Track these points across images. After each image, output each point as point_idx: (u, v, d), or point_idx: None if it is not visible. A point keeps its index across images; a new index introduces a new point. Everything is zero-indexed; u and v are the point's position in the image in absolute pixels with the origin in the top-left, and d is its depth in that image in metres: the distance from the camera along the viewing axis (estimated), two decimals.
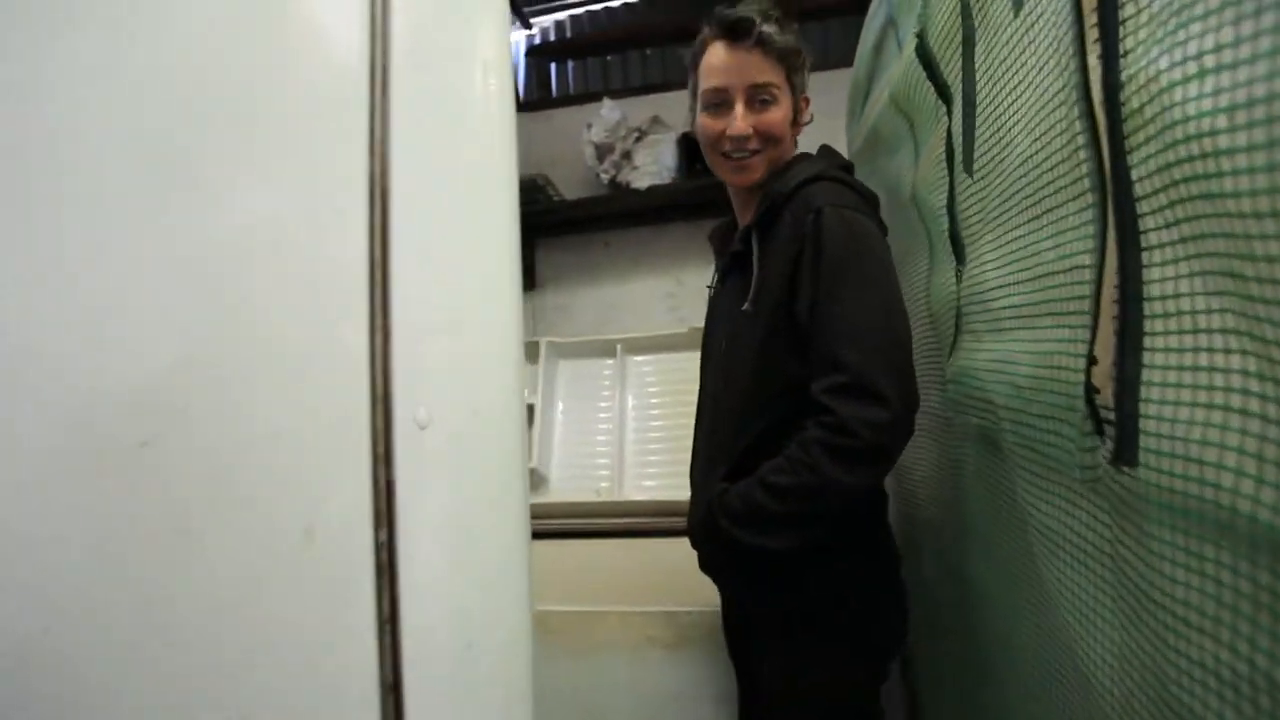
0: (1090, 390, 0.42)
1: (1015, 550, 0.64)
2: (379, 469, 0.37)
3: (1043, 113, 0.47)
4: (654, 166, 1.94)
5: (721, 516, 0.91)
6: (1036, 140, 0.48)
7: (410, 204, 0.39)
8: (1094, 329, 0.41)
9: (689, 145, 1.97)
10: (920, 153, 0.95)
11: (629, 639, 1.34)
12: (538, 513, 2.04)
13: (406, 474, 0.38)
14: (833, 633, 0.93)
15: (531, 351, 2.20)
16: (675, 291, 2.24)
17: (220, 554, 0.33)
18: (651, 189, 1.96)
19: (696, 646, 1.30)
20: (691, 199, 2.01)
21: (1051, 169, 0.47)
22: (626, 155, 1.94)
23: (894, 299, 0.89)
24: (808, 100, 1.04)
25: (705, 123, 1.01)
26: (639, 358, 2.17)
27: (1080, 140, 0.41)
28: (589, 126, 1.98)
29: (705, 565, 1.07)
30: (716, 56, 0.98)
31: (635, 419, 2.08)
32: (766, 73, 0.96)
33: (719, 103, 0.99)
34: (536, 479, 2.04)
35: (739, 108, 0.97)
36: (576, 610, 1.35)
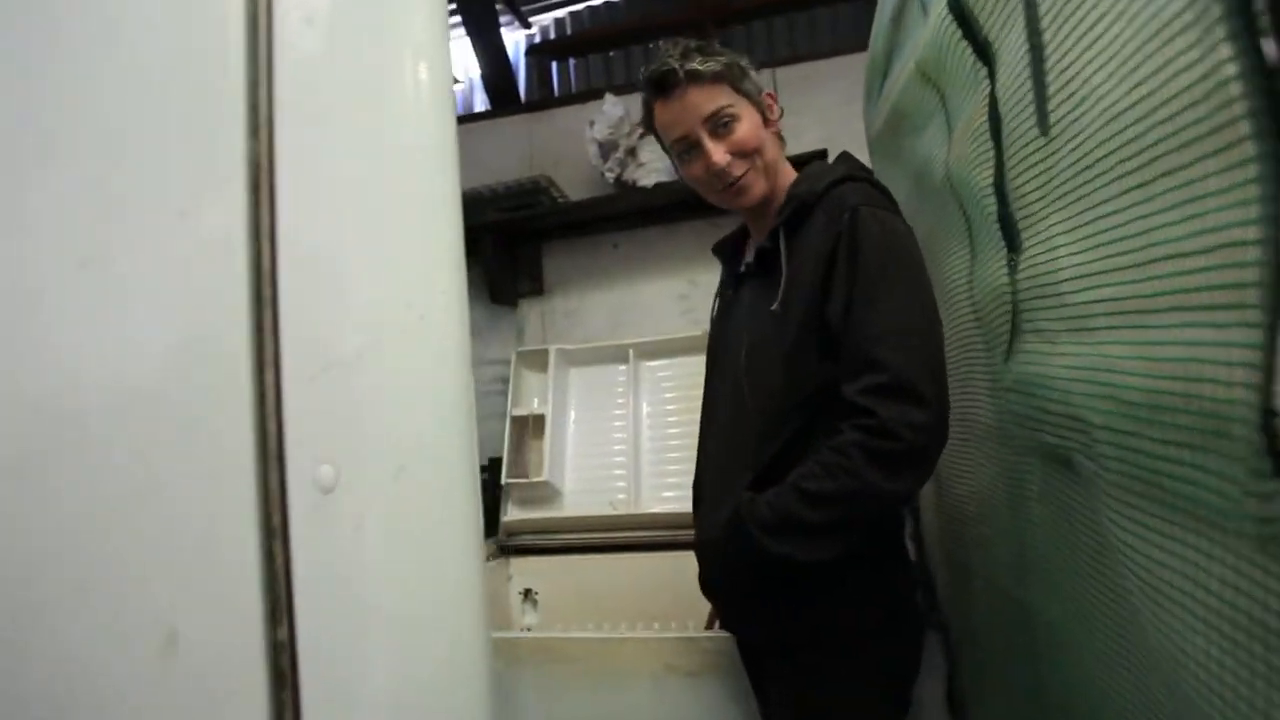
0: (1270, 416, 0.31)
1: (1096, 592, 0.53)
2: (274, 545, 0.28)
3: (1150, 45, 0.36)
4: (660, 163, 1.85)
5: (751, 524, 0.86)
6: (1138, 87, 0.38)
7: (307, 202, 0.31)
8: (1273, 328, 0.30)
9: None
10: (954, 126, 0.84)
11: (648, 667, 1.25)
12: (551, 528, 1.97)
13: (309, 552, 0.29)
14: (853, 660, 0.90)
15: (540, 360, 2.12)
16: (688, 293, 2.15)
17: (46, 670, 0.24)
18: (658, 187, 1.86)
19: (718, 673, 1.20)
20: (699, 196, 1.91)
21: (1169, 119, 0.36)
22: (631, 152, 1.85)
23: (930, 301, 0.87)
24: (772, 96, 1.03)
25: (687, 171, 1.02)
26: (653, 363, 2.08)
27: (1231, 70, 0.30)
28: (592, 124, 1.89)
29: (713, 584, 1.03)
30: (663, 112, 0.99)
31: (651, 427, 1.99)
32: (713, 100, 0.96)
33: (688, 148, 0.99)
34: (549, 492, 1.96)
35: (707, 143, 0.97)
36: (593, 637, 1.26)
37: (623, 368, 2.08)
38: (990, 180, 0.67)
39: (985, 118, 0.65)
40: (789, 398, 0.91)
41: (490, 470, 2.07)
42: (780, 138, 1.04)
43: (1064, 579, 0.61)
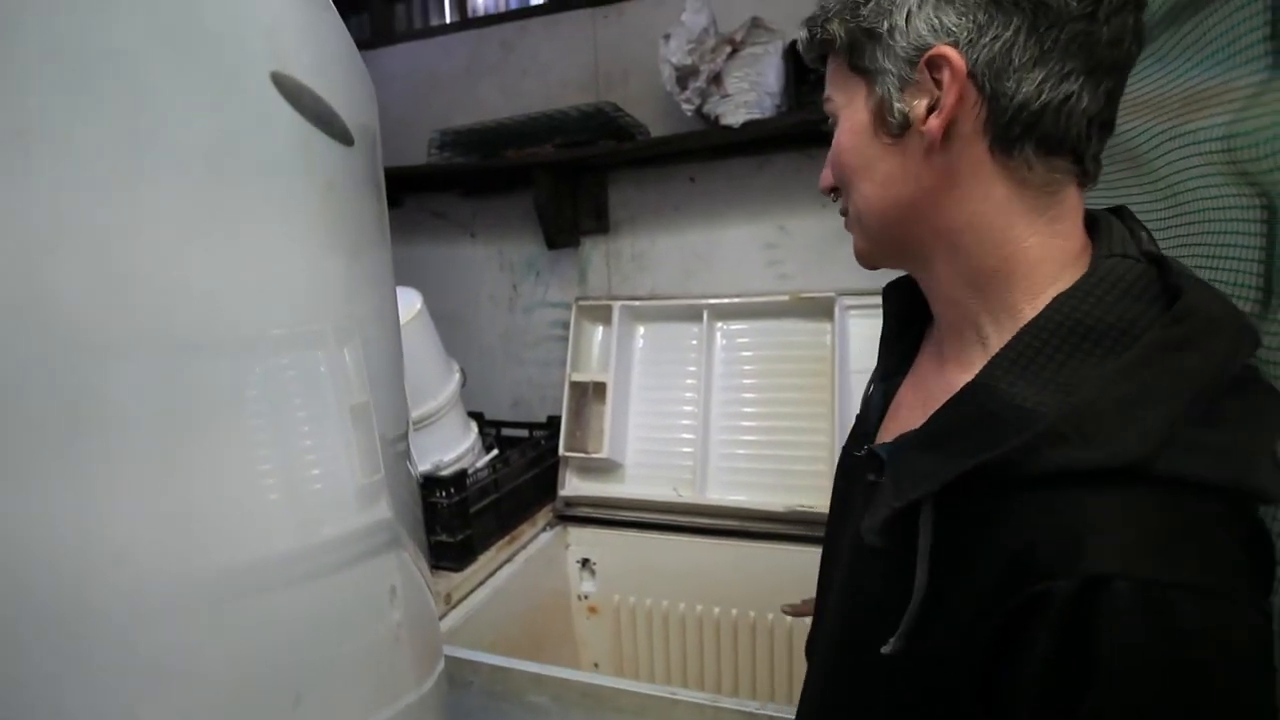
0: None
1: None
2: None
3: None
4: (751, 94, 1.46)
5: None
6: None
7: None
8: None
9: (798, 59, 1.46)
10: None
11: None
12: (611, 505, 1.85)
13: None
14: None
15: (603, 314, 1.90)
16: (777, 241, 1.81)
17: None
18: (747, 125, 1.49)
19: None
20: (801, 132, 1.52)
21: None
22: (715, 79, 1.46)
23: None
24: (935, 59, 0.47)
25: None
26: (731, 325, 1.82)
27: None
28: (666, 39, 1.49)
29: None
30: None
31: (724, 403, 1.77)
32: (828, 83, 0.56)
33: None
34: (610, 465, 1.82)
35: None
36: (646, 693, 1.15)
37: (695, 329, 1.83)
38: None
39: None
40: None
41: (549, 430, 1.94)
42: (978, 152, 0.48)
43: None
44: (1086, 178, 0.49)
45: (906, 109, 0.49)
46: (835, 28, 0.52)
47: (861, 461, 0.58)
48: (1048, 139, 0.47)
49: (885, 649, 0.47)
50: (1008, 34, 0.45)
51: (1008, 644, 0.42)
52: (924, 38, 0.47)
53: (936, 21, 0.47)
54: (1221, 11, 0.56)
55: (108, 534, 0.41)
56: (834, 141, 0.55)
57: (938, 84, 0.47)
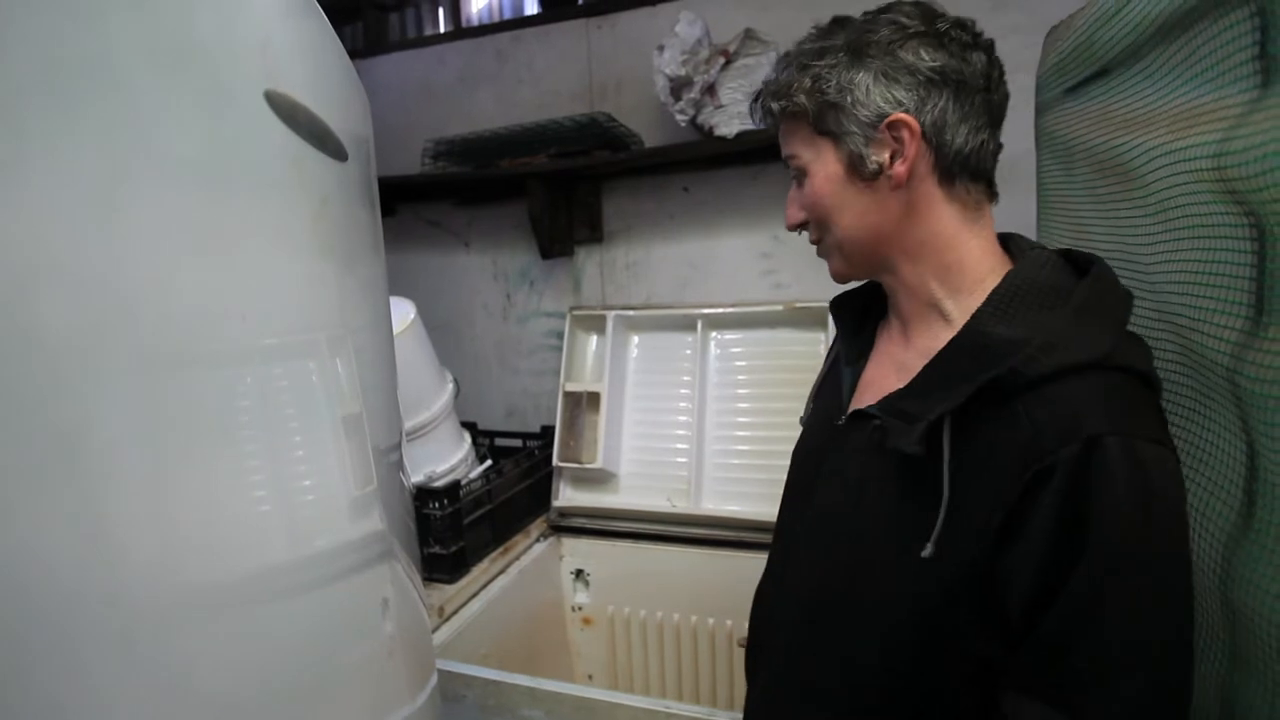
0: None
1: None
2: None
3: None
4: (745, 104, 1.47)
5: None
6: None
7: None
8: None
9: None
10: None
11: None
12: (605, 515, 1.85)
13: None
14: None
15: (597, 323, 1.90)
16: (772, 251, 1.82)
17: None
18: (741, 136, 1.49)
19: None
20: None
21: None
22: (709, 90, 1.47)
23: (1190, 629, 0.54)
24: (895, 123, 0.64)
25: None
26: (725, 335, 1.82)
27: None
28: (660, 50, 1.50)
29: None
30: None
31: (718, 413, 1.77)
32: (787, 142, 0.72)
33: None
34: (604, 476, 1.81)
35: (791, 191, 0.74)
36: (641, 707, 1.15)
37: (689, 338, 1.83)
38: None
39: None
40: (922, 672, 0.63)
41: (543, 440, 1.93)
42: (904, 190, 0.66)
43: None
44: (994, 197, 0.69)
45: (879, 160, 0.65)
46: (803, 100, 0.67)
47: (841, 429, 0.73)
48: (975, 171, 0.66)
49: (925, 553, 0.59)
50: (942, 102, 0.64)
51: (1014, 528, 0.55)
52: (881, 107, 0.64)
53: (890, 95, 0.64)
54: (1210, 30, 0.56)
55: (100, 547, 0.41)
56: (808, 189, 0.69)
57: (897, 140, 0.65)
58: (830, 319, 0.89)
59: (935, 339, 0.66)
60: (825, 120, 0.66)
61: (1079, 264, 0.65)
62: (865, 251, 0.70)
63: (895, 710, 0.65)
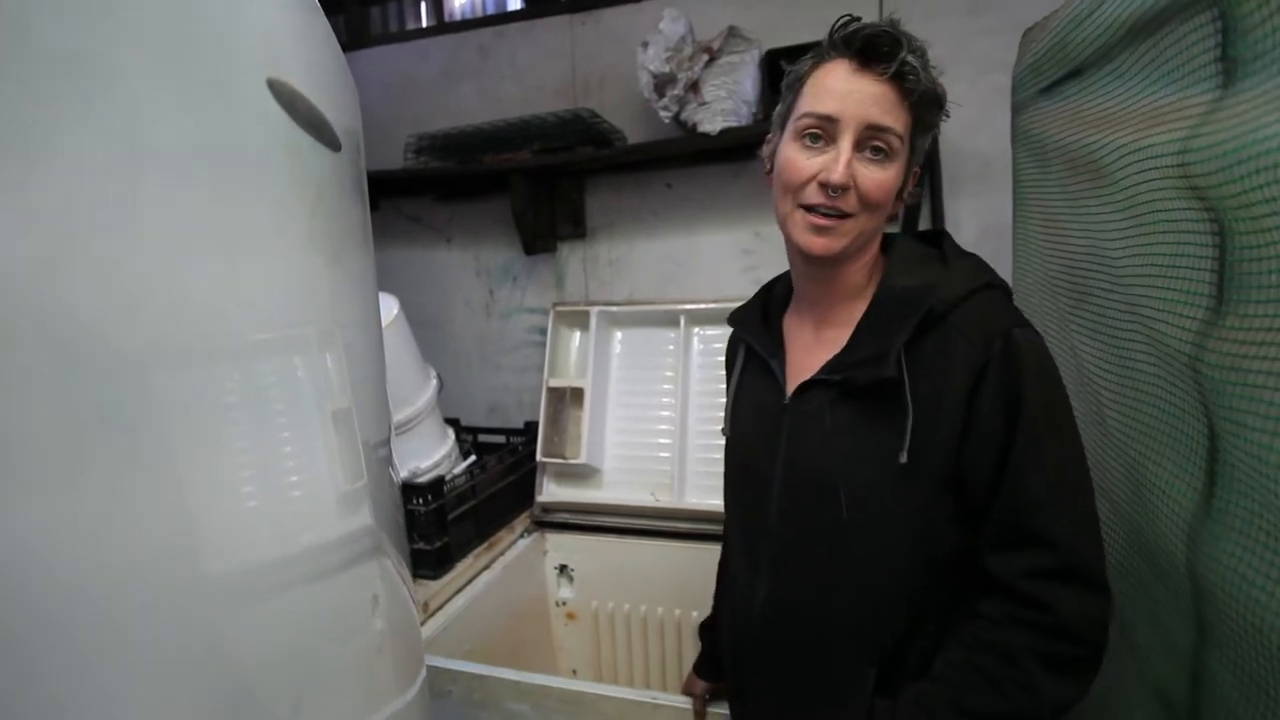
0: None
1: None
2: None
3: None
4: (728, 102, 1.48)
5: None
6: None
7: None
8: None
9: (774, 68, 1.48)
10: (1249, 78, 0.50)
11: None
12: (588, 510, 1.85)
13: None
14: None
15: (580, 320, 1.90)
16: (753, 247, 1.84)
17: None
18: (725, 133, 1.51)
19: None
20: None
21: None
22: (693, 87, 1.48)
23: (1081, 445, 0.72)
24: (919, 173, 0.81)
25: (791, 157, 0.76)
26: (707, 330, 1.83)
27: None
28: (644, 47, 1.51)
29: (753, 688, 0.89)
30: (835, 77, 0.73)
31: (700, 407, 1.79)
32: (892, 115, 0.72)
33: (819, 134, 0.74)
34: (587, 471, 1.82)
35: (844, 147, 0.72)
36: (627, 699, 1.16)
37: (672, 334, 1.85)
38: None
39: None
40: (916, 572, 0.75)
41: (526, 436, 1.94)
42: (896, 219, 0.83)
43: None
44: None
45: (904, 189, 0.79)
46: (937, 95, 0.74)
47: (788, 407, 0.83)
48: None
49: (901, 460, 0.72)
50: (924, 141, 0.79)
51: (967, 430, 0.71)
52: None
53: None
54: (1177, 33, 0.59)
55: (89, 542, 0.40)
56: (876, 173, 0.73)
57: (916, 178, 0.80)
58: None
59: (854, 310, 0.81)
60: (922, 130, 0.75)
61: (928, 237, 0.85)
62: (868, 240, 0.79)
63: (906, 609, 0.76)
